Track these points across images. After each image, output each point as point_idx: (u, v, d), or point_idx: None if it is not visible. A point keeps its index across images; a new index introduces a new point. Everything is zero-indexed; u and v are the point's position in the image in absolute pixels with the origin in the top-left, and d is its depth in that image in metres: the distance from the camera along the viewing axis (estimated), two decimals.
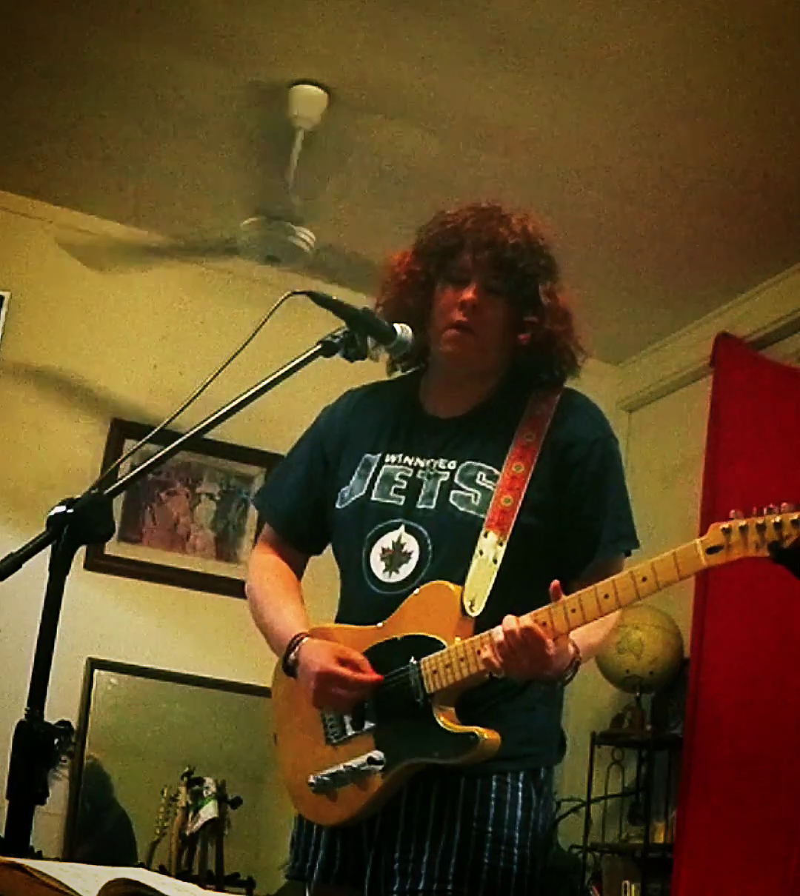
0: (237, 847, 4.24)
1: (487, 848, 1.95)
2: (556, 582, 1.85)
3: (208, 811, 4.17)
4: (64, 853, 4.14)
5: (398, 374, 2.27)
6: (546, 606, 1.84)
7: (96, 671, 4.45)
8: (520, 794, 1.99)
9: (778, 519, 1.65)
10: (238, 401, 1.76)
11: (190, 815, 4.18)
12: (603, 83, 3.59)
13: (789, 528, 1.65)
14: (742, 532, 1.68)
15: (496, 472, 2.05)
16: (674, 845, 4.20)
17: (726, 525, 1.70)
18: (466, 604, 1.95)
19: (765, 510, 1.68)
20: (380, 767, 1.97)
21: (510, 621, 1.83)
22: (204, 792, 4.20)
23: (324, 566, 2.28)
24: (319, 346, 1.89)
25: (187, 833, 4.16)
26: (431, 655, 1.94)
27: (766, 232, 4.23)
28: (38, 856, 3.52)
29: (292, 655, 2.05)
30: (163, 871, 3.94)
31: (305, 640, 2.05)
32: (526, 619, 1.83)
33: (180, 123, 4.08)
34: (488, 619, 1.91)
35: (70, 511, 1.52)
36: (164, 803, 4.21)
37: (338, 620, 2.14)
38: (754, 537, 1.67)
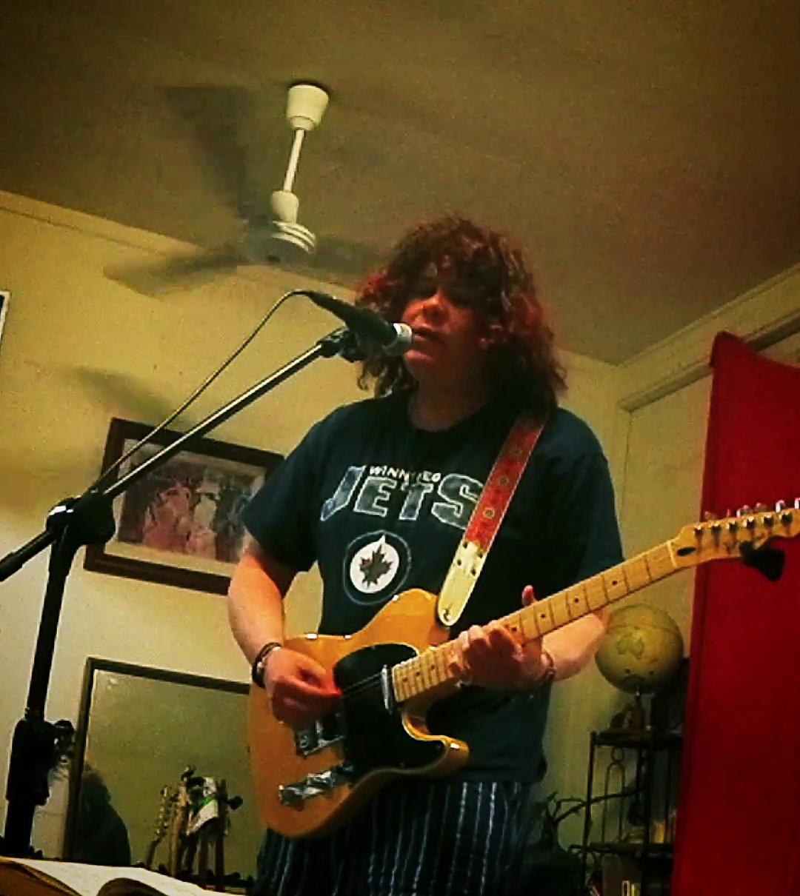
0: (237, 847, 4.23)
1: (455, 855, 1.91)
2: (528, 588, 1.82)
3: (208, 811, 4.17)
4: (64, 853, 4.14)
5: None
6: (516, 612, 1.81)
7: (96, 671, 4.45)
8: (492, 804, 1.95)
9: (751, 518, 1.62)
10: (238, 401, 1.76)
11: (190, 815, 4.17)
12: (603, 83, 3.59)
13: (761, 527, 1.61)
14: (714, 533, 1.65)
15: (480, 484, 2.03)
16: (674, 845, 4.20)
17: (698, 526, 1.67)
18: (441, 613, 1.93)
19: (739, 511, 1.64)
20: (347, 778, 1.95)
21: (478, 628, 1.80)
22: (204, 792, 4.20)
23: (316, 581, 2.28)
24: (319, 346, 1.88)
25: (187, 833, 4.16)
26: (403, 664, 1.91)
27: (766, 232, 4.23)
28: (38, 856, 3.52)
29: (260, 665, 2.04)
30: (163, 871, 3.93)
31: (274, 649, 2.03)
32: (495, 624, 1.79)
33: (180, 123, 4.08)
34: (465, 629, 1.87)
35: (70, 511, 1.52)
36: (164, 803, 4.21)
37: (319, 631, 2.12)
38: (726, 538, 1.64)
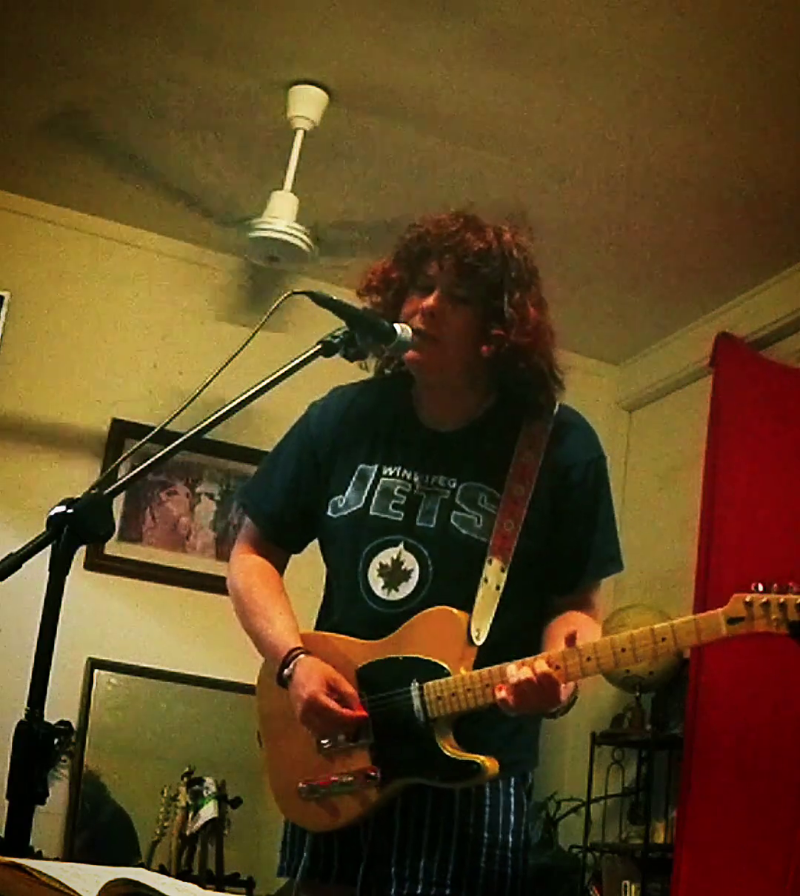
0: (237, 847, 4.24)
1: (483, 852, 1.97)
2: (572, 630, 1.88)
3: (208, 811, 4.17)
4: (64, 853, 4.14)
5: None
6: (559, 651, 1.86)
7: (96, 671, 4.46)
8: (512, 799, 2.02)
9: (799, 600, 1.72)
10: (238, 401, 1.76)
11: (190, 815, 4.17)
12: (603, 83, 3.59)
13: None
14: (764, 608, 1.75)
15: (497, 494, 2.04)
16: (674, 845, 4.20)
17: (747, 598, 1.76)
18: (473, 633, 1.95)
19: (787, 587, 1.74)
20: (375, 782, 1.97)
21: (526, 669, 1.85)
22: (204, 792, 4.20)
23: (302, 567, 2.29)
24: (319, 346, 1.88)
25: (187, 833, 4.16)
26: (437, 681, 1.93)
27: (766, 232, 4.23)
28: (38, 856, 3.52)
29: (287, 671, 2.03)
30: (163, 871, 3.93)
31: (301, 656, 2.03)
32: (542, 665, 1.84)
33: (180, 123, 4.09)
34: (489, 645, 1.93)
35: (70, 511, 1.52)
36: (165, 803, 4.21)
37: (328, 629, 2.11)
38: (775, 615, 1.74)
